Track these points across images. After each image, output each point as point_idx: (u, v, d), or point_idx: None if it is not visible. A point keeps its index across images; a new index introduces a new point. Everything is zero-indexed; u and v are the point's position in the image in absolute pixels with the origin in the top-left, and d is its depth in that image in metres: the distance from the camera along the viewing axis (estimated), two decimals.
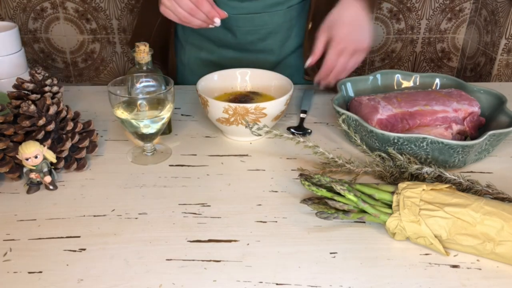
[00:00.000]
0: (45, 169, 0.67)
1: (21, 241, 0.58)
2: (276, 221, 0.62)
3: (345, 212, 0.59)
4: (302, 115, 0.89)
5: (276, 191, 0.68)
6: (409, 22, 1.70)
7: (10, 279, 0.52)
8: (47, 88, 0.74)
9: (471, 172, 0.73)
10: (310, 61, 0.87)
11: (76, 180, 0.70)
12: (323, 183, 0.61)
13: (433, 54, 1.78)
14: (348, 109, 0.84)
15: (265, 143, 0.81)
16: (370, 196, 0.60)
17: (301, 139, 0.70)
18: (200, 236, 0.59)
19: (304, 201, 0.63)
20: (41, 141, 0.67)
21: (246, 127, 0.73)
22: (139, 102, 0.73)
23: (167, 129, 0.83)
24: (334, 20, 0.85)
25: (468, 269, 0.54)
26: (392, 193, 0.60)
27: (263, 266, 0.54)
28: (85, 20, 1.63)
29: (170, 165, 0.74)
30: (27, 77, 0.85)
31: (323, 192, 0.61)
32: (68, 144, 0.70)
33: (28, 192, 0.67)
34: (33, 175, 0.66)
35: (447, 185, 0.59)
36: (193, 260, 0.55)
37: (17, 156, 0.66)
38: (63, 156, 0.70)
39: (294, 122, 0.88)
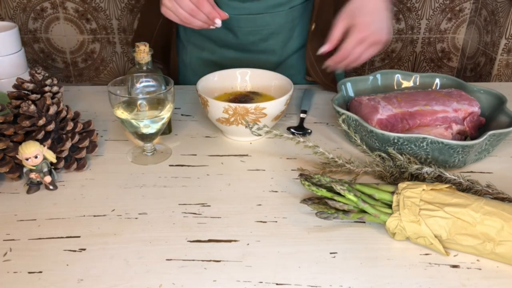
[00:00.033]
0: (45, 169, 0.67)
1: (21, 241, 0.58)
2: (276, 221, 0.62)
3: (345, 212, 0.59)
4: (302, 115, 0.89)
5: (276, 191, 0.68)
6: (409, 22, 1.70)
7: (10, 279, 0.52)
8: (47, 88, 0.74)
9: (471, 172, 0.73)
10: (325, 48, 0.84)
11: (76, 180, 0.70)
12: (323, 183, 0.61)
13: (433, 54, 1.78)
14: (348, 109, 0.84)
15: (265, 143, 0.81)
16: (370, 196, 0.60)
17: (301, 139, 0.70)
18: (200, 236, 0.59)
19: (304, 201, 0.63)
20: (41, 141, 0.67)
21: (246, 127, 0.73)
22: (139, 102, 0.73)
23: (167, 129, 0.83)
24: (356, 8, 0.83)
25: (468, 269, 0.54)
26: (392, 193, 0.60)
27: (263, 266, 0.54)
28: (85, 20, 1.63)
29: (170, 165, 0.74)
30: (27, 77, 0.85)
31: (323, 192, 0.61)
32: (68, 144, 0.70)
33: (28, 192, 0.67)
34: (33, 175, 0.66)
35: (447, 185, 0.59)
36: (193, 260, 0.55)
37: (17, 156, 0.66)
38: (63, 156, 0.70)
39: (294, 122, 0.88)
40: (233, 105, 0.73)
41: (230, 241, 0.58)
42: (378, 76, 0.91)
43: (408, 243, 0.58)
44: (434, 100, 0.78)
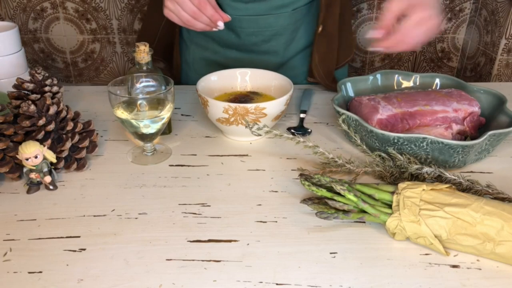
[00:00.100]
0: (45, 169, 0.67)
1: (21, 241, 0.58)
2: (276, 221, 0.62)
3: (345, 212, 0.59)
4: (302, 115, 0.89)
5: (276, 191, 0.68)
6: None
7: (10, 279, 0.52)
8: (47, 88, 0.74)
9: (471, 172, 0.73)
10: (377, 34, 0.78)
11: (76, 180, 0.70)
12: (323, 183, 0.61)
13: (433, 54, 1.77)
14: (348, 109, 0.84)
15: (265, 143, 0.81)
16: (370, 196, 0.60)
17: (301, 139, 0.70)
18: (200, 236, 0.59)
19: (304, 201, 0.63)
20: (41, 141, 0.67)
21: (246, 127, 0.73)
22: (139, 102, 0.73)
23: (167, 129, 0.83)
24: None
25: (468, 269, 0.54)
26: (392, 193, 0.60)
27: (263, 266, 0.54)
28: (85, 20, 1.63)
29: (170, 165, 0.74)
30: (27, 77, 0.85)
31: (323, 192, 0.61)
32: (68, 144, 0.70)
33: (28, 192, 0.67)
34: (33, 175, 0.66)
35: (447, 185, 0.59)
36: (193, 260, 0.55)
37: (17, 156, 0.66)
38: (63, 156, 0.70)
39: (294, 122, 0.88)
40: (233, 105, 0.73)
41: (230, 241, 0.58)
42: (378, 76, 0.91)
43: (408, 243, 0.58)
44: (434, 100, 0.78)
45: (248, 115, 0.75)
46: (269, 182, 0.70)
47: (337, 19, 0.99)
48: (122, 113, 0.71)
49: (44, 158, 0.66)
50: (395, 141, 0.70)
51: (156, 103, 0.72)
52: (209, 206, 0.65)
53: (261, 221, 0.62)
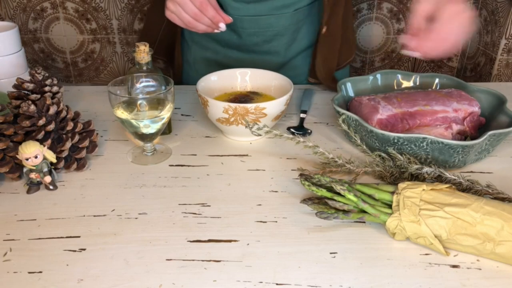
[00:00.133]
0: (45, 169, 0.67)
1: (21, 241, 0.58)
2: (276, 221, 0.62)
3: (345, 212, 0.59)
4: (302, 115, 0.89)
5: (276, 191, 0.68)
6: (409, 22, 1.70)
7: (10, 279, 0.52)
8: (47, 88, 0.74)
9: (471, 172, 0.73)
10: (409, 39, 0.74)
11: (76, 180, 0.70)
12: (323, 183, 0.61)
13: None
14: (348, 109, 0.84)
15: (265, 143, 0.81)
16: (370, 196, 0.60)
17: (301, 139, 0.70)
18: (200, 236, 0.59)
19: (304, 201, 0.63)
20: (41, 141, 0.67)
21: (246, 127, 0.73)
22: (139, 102, 0.73)
23: (167, 129, 0.83)
24: None
25: (468, 269, 0.54)
26: (392, 193, 0.60)
27: (263, 266, 0.54)
28: (85, 20, 1.63)
29: (170, 165, 0.74)
30: (27, 77, 0.85)
31: (323, 192, 0.61)
32: (68, 144, 0.70)
33: (28, 192, 0.67)
34: (33, 175, 0.66)
35: (447, 185, 0.59)
36: (193, 260, 0.55)
37: (17, 156, 0.66)
38: (63, 156, 0.70)
39: (294, 122, 0.88)
40: (233, 105, 0.73)
41: (230, 241, 0.58)
42: (378, 76, 0.91)
43: (408, 243, 0.58)
44: (434, 100, 0.78)
45: (248, 115, 0.75)
46: (269, 182, 0.70)
47: (341, 20, 0.99)
48: (122, 113, 0.71)
49: (44, 158, 0.66)
50: (395, 141, 0.70)
51: (156, 103, 0.72)
52: (209, 206, 0.65)
53: (261, 221, 0.62)
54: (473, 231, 0.54)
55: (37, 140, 0.67)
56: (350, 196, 0.58)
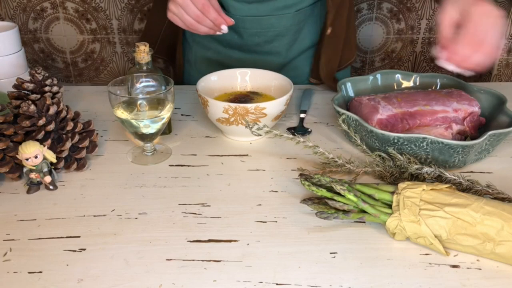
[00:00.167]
0: (45, 169, 0.67)
1: (21, 241, 0.58)
2: (276, 221, 0.62)
3: (345, 212, 0.59)
4: (302, 115, 0.89)
5: (276, 191, 0.68)
6: (409, 22, 1.70)
7: (10, 279, 0.52)
8: (47, 88, 0.74)
9: (471, 172, 0.73)
10: (442, 52, 0.68)
11: (76, 180, 0.70)
12: (323, 183, 0.61)
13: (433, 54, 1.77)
14: (348, 109, 0.84)
15: (265, 143, 0.81)
16: (370, 196, 0.60)
17: (301, 139, 0.70)
18: (200, 236, 0.59)
19: (304, 201, 0.63)
20: (41, 141, 0.67)
21: (246, 127, 0.73)
22: (139, 102, 0.73)
23: (167, 129, 0.83)
24: None
25: (468, 269, 0.54)
26: (392, 193, 0.60)
27: (263, 266, 0.54)
28: (85, 20, 1.63)
29: (170, 165, 0.74)
30: (27, 77, 0.85)
31: (323, 192, 0.61)
32: (68, 144, 0.70)
33: (28, 192, 0.67)
34: (33, 175, 0.66)
35: (447, 185, 0.59)
36: (193, 260, 0.55)
37: (17, 156, 0.66)
38: (63, 156, 0.70)
39: (294, 122, 0.88)
40: (233, 105, 0.73)
41: (230, 241, 0.58)
42: (378, 76, 0.91)
43: (408, 243, 0.58)
44: (434, 100, 0.78)
45: (248, 115, 0.75)
46: (269, 182, 0.70)
47: (345, 21, 0.99)
48: (122, 113, 0.71)
49: (44, 158, 0.66)
50: (395, 141, 0.70)
51: (156, 103, 0.72)
52: (209, 206, 0.65)
53: (261, 221, 0.62)
54: (473, 231, 0.54)
55: (37, 140, 0.67)
56: (350, 196, 0.58)
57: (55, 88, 0.76)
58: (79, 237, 0.59)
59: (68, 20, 1.64)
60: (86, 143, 0.72)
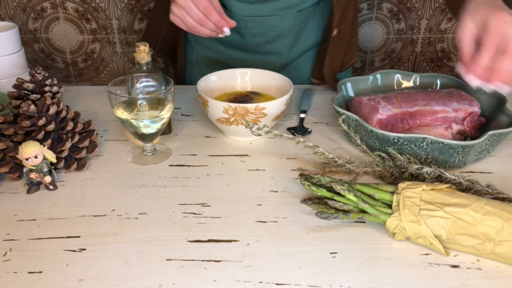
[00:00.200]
0: (45, 169, 0.67)
1: (21, 241, 0.58)
2: (276, 221, 0.62)
3: (345, 212, 0.59)
4: (302, 115, 0.89)
5: (276, 191, 0.68)
6: (409, 22, 1.70)
7: (10, 279, 0.52)
8: (47, 88, 0.74)
9: (471, 172, 0.73)
10: (464, 70, 0.65)
11: (76, 180, 0.70)
12: (323, 183, 0.61)
13: (433, 54, 1.78)
14: (348, 109, 0.84)
15: (265, 143, 0.81)
16: (370, 196, 0.60)
17: (301, 139, 0.70)
18: (200, 236, 0.59)
19: (304, 201, 0.63)
20: (41, 141, 0.67)
21: (246, 127, 0.73)
22: (139, 102, 0.73)
23: (167, 129, 0.83)
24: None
25: (468, 269, 0.54)
26: (392, 193, 0.60)
27: (263, 266, 0.54)
28: (85, 20, 1.63)
29: (170, 165, 0.74)
30: (27, 77, 0.85)
31: (323, 192, 0.61)
32: (68, 144, 0.70)
33: (28, 192, 0.67)
34: (33, 175, 0.66)
35: (447, 185, 0.59)
36: (193, 260, 0.55)
37: (17, 156, 0.66)
38: (63, 156, 0.70)
39: (294, 122, 0.88)
40: (233, 105, 0.73)
41: (230, 241, 0.58)
42: (378, 76, 0.91)
43: (408, 243, 0.58)
44: (434, 100, 0.78)
45: (248, 115, 0.75)
46: (269, 182, 0.70)
47: (350, 23, 0.99)
48: (122, 113, 0.71)
49: (44, 158, 0.66)
50: (395, 141, 0.70)
51: (156, 103, 0.72)
52: (209, 206, 0.65)
53: (261, 221, 0.62)
54: (473, 231, 0.54)
55: (37, 140, 0.67)
56: (350, 196, 0.58)
57: (55, 88, 0.76)
58: (79, 237, 0.59)
59: (68, 20, 1.64)
60: (86, 143, 0.72)
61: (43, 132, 0.68)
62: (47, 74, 0.75)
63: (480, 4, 0.67)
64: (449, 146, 0.68)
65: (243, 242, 0.58)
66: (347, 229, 0.60)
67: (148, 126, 0.71)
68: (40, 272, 0.53)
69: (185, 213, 0.63)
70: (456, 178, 0.64)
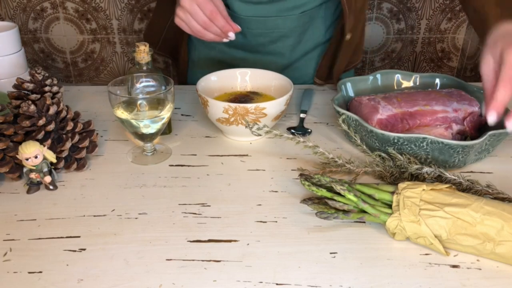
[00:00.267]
0: (45, 169, 0.67)
1: (21, 241, 0.58)
2: (276, 221, 0.62)
3: (345, 212, 0.59)
4: (302, 115, 0.89)
5: (276, 191, 0.68)
6: (409, 22, 1.70)
7: (10, 279, 0.52)
8: (47, 88, 0.74)
9: (471, 172, 0.73)
10: (488, 112, 0.64)
11: (76, 180, 0.70)
12: (323, 183, 0.61)
13: (433, 54, 1.78)
14: (348, 109, 0.84)
15: (265, 143, 0.81)
16: (370, 196, 0.60)
17: (301, 139, 0.70)
18: (200, 236, 0.59)
19: (304, 201, 0.63)
20: (41, 141, 0.67)
21: (246, 127, 0.73)
22: (139, 102, 0.73)
23: (167, 129, 0.83)
24: (507, 33, 0.66)
25: (468, 269, 0.54)
26: (392, 193, 0.60)
27: (263, 266, 0.54)
28: (85, 20, 1.63)
29: (170, 165, 0.74)
30: (27, 77, 0.85)
31: (323, 192, 0.61)
32: (68, 144, 0.70)
33: (28, 192, 0.67)
34: (33, 175, 0.66)
35: (447, 185, 0.59)
36: (193, 260, 0.55)
37: (17, 156, 0.66)
38: (63, 156, 0.70)
39: (294, 122, 0.88)
40: (233, 105, 0.73)
41: (230, 241, 0.58)
42: (378, 76, 0.91)
43: (408, 243, 0.58)
44: (434, 100, 0.78)
45: (248, 115, 0.75)
46: (269, 182, 0.70)
47: (362, 27, 1.00)
48: (122, 113, 0.71)
49: (44, 158, 0.66)
50: (395, 141, 0.70)
51: (156, 103, 0.72)
52: (209, 206, 0.65)
53: (261, 221, 0.62)
54: (473, 231, 0.54)
55: (37, 140, 0.67)
56: (350, 196, 0.58)
57: (55, 88, 0.76)
58: (79, 237, 0.59)
59: (68, 20, 1.64)
60: (86, 143, 0.73)
61: (43, 132, 0.68)
62: (47, 74, 0.75)
63: (498, 37, 0.66)
64: (449, 146, 0.68)
65: (243, 242, 0.58)
66: (347, 229, 0.60)
67: (148, 126, 0.71)
68: (40, 272, 0.53)
69: (185, 213, 0.63)
70: (456, 178, 0.64)
